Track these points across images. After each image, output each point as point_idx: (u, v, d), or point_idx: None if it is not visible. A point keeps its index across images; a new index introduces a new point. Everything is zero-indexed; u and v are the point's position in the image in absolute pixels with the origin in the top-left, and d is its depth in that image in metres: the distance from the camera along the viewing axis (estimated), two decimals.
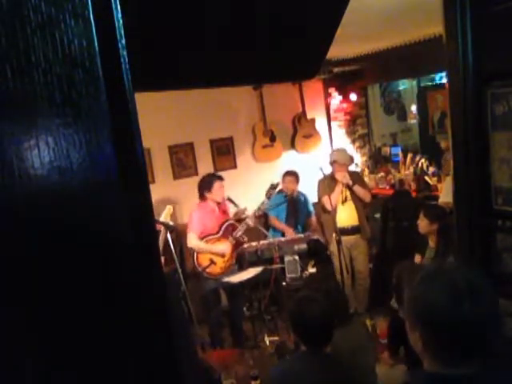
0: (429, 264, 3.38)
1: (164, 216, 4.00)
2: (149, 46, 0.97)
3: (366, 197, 4.63)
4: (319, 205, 4.75)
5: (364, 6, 2.95)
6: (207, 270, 4.09)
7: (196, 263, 4.12)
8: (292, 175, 4.95)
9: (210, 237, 4.17)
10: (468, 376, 1.03)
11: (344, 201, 4.57)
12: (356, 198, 4.59)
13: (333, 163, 4.53)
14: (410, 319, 1.11)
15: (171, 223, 4.01)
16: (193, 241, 4.12)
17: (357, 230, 4.61)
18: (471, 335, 1.02)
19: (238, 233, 4.20)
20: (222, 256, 4.17)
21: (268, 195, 4.40)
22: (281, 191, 5.03)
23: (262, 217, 5.01)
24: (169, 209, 4.07)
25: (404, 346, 2.92)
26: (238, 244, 4.26)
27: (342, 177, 4.46)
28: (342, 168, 4.48)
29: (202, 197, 4.18)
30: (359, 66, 5.65)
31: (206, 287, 4.18)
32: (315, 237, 4.75)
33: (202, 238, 4.14)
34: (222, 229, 4.21)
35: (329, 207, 4.37)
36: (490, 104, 1.41)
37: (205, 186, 4.16)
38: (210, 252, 4.13)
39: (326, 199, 4.40)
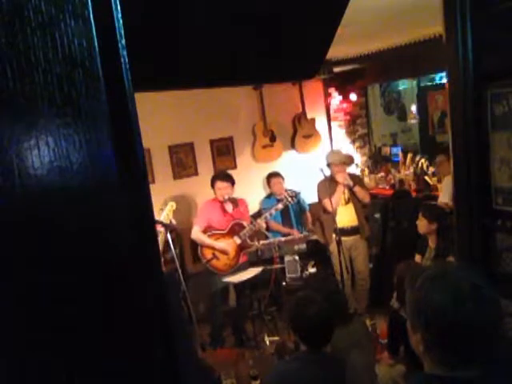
0: (430, 265, 3.37)
1: (166, 212, 3.97)
2: (149, 45, 0.97)
3: (366, 198, 4.64)
4: (320, 206, 4.76)
5: (364, 6, 2.95)
6: (211, 262, 4.16)
7: (200, 254, 4.22)
8: (279, 176, 5.07)
9: (215, 232, 4.24)
10: (468, 379, 1.03)
11: (347, 202, 4.58)
12: (356, 199, 4.60)
13: (330, 165, 4.54)
14: (411, 321, 1.11)
15: (173, 220, 4.01)
16: (194, 233, 4.25)
17: (356, 230, 4.61)
18: (473, 337, 1.01)
19: (245, 234, 4.22)
20: (226, 254, 4.19)
21: (282, 205, 4.42)
22: (272, 194, 5.09)
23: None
24: (171, 205, 4.04)
25: (404, 346, 2.92)
26: (243, 246, 4.27)
27: (343, 179, 4.46)
28: (340, 169, 4.48)
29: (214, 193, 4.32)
30: (359, 65, 5.65)
31: (216, 285, 4.22)
32: (315, 237, 4.76)
33: (207, 232, 4.23)
34: (229, 227, 4.24)
35: (330, 209, 4.38)
36: (489, 104, 1.41)
37: (211, 183, 4.29)
38: (210, 247, 4.18)
39: (327, 201, 4.40)
